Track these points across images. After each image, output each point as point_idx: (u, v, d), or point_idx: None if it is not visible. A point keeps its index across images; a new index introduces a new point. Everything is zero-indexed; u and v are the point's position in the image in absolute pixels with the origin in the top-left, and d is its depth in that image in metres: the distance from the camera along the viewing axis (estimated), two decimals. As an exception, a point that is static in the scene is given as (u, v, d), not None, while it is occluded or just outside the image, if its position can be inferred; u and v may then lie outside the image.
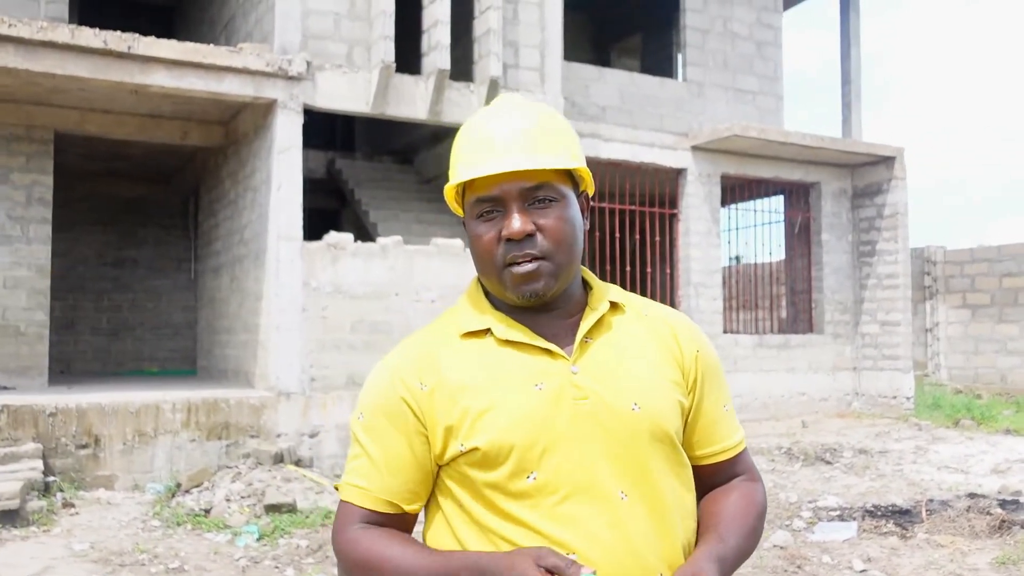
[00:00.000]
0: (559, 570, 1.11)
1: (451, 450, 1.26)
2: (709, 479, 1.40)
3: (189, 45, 7.85)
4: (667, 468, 1.30)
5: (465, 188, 1.33)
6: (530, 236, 1.26)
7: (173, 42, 7.78)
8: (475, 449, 1.24)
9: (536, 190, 1.27)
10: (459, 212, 1.39)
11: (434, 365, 1.30)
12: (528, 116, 1.30)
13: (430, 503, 1.34)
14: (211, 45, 8.16)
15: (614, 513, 1.23)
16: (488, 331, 1.32)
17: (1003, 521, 5.75)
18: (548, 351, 1.29)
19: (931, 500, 6.66)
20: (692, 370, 1.37)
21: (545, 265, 1.27)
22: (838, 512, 6.42)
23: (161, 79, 7.78)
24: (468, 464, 1.25)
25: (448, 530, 1.29)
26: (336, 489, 1.34)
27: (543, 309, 1.32)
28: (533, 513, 1.22)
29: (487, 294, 1.38)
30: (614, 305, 1.37)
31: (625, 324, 1.36)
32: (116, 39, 7.49)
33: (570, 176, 1.33)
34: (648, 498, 1.26)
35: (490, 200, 1.28)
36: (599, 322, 1.34)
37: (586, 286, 1.39)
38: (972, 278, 14.72)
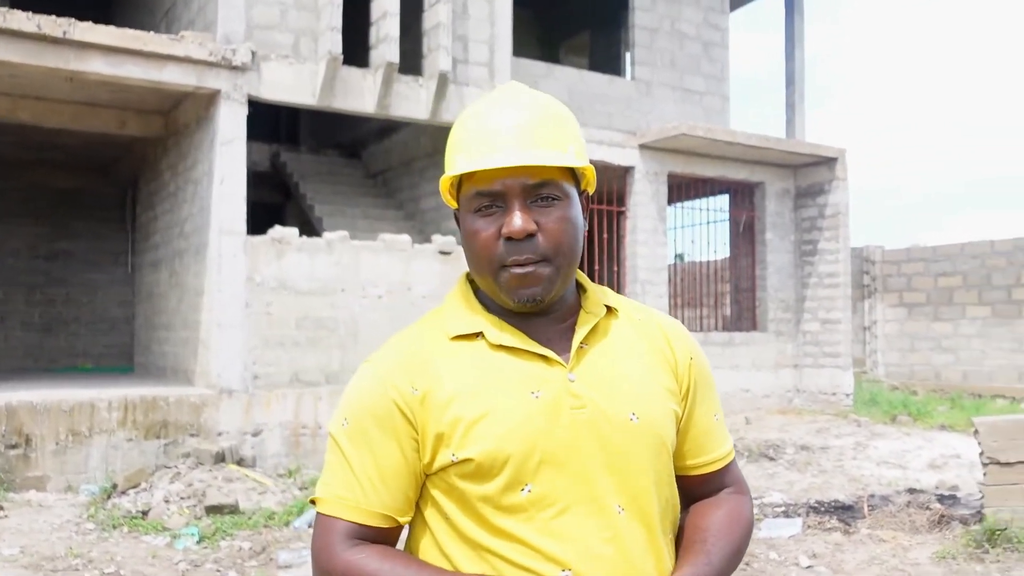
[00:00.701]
0: None
1: (441, 459, 1.18)
2: (696, 490, 1.35)
3: (128, 32, 7.60)
4: (661, 481, 1.25)
5: (462, 180, 1.25)
6: (531, 236, 1.19)
7: (111, 28, 7.52)
8: (468, 460, 1.16)
9: (540, 188, 1.20)
10: (452, 204, 1.31)
11: (425, 368, 1.22)
12: (535, 108, 1.23)
13: (416, 518, 1.25)
14: (151, 32, 7.91)
15: (612, 528, 1.18)
16: (480, 334, 1.24)
17: (942, 516, 5.87)
18: (544, 357, 1.22)
19: (872, 496, 6.78)
20: (686, 377, 1.32)
21: (545, 269, 1.20)
22: (783, 508, 6.49)
23: (98, 66, 7.52)
24: (459, 476, 1.17)
25: (435, 546, 1.21)
26: (313, 503, 1.23)
27: (537, 313, 1.25)
28: (527, 527, 1.16)
29: (476, 293, 1.30)
30: (608, 310, 1.31)
31: (619, 329, 1.30)
32: (50, 24, 7.22)
33: (573, 174, 1.26)
34: (644, 512, 1.21)
35: (490, 195, 1.20)
36: (594, 328, 1.28)
37: (579, 288, 1.33)
38: (909, 277, 15.08)
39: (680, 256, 14.41)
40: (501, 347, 1.23)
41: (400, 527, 1.23)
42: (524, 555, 1.15)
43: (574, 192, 1.25)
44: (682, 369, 1.31)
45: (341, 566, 1.17)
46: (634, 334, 1.31)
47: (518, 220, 1.18)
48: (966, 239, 14.30)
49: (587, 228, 1.29)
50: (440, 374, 1.21)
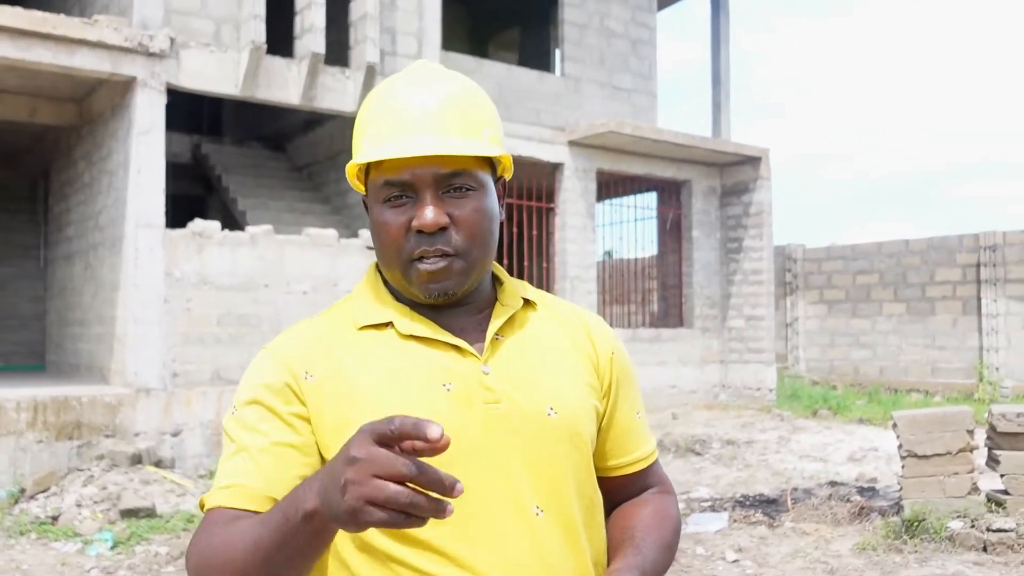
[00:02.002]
0: (403, 432, 0.84)
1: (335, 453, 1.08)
2: (620, 492, 1.28)
3: (36, 14, 7.25)
4: (581, 479, 1.18)
5: (370, 166, 1.16)
6: (443, 229, 1.11)
7: (18, 9, 7.16)
8: None
9: (453, 177, 1.12)
10: (360, 190, 1.22)
11: (325, 356, 1.13)
12: (448, 90, 1.14)
13: None
14: (62, 15, 7.55)
15: (530, 531, 1.10)
16: (389, 324, 1.16)
17: (862, 508, 6.00)
18: (457, 348, 1.14)
19: (795, 489, 6.90)
20: (607, 373, 1.25)
21: (457, 263, 1.12)
22: (710, 503, 6.56)
23: (4, 50, 7.15)
24: None
25: (334, 556, 1.11)
26: (201, 507, 1.10)
27: (450, 304, 1.18)
28: (436, 532, 1.06)
29: (386, 283, 1.22)
30: (526, 302, 1.24)
31: (538, 322, 1.23)
32: (-48, 3, 6.83)
33: (489, 161, 1.18)
34: (563, 513, 1.14)
35: (400, 184, 1.11)
36: (511, 319, 1.20)
37: (495, 281, 1.25)
38: (829, 275, 15.48)
39: (609, 253, 14.51)
40: (411, 337, 1.15)
41: None
42: (434, 563, 1.06)
43: (490, 180, 1.17)
44: (603, 364, 1.25)
45: (199, 545, 1.03)
46: (553, 328, 1.24)
47: (429, 213, 1.10)
48: (883, 238, 14.74)
49: (503, 217, 1.21)
50: (343, 363, 1.12)
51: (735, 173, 13.16)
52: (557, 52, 12.73)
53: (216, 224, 8.27)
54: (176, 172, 10.18)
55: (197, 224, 8.15)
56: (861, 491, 6.67)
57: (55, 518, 5.81)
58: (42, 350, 11.51)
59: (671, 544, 1.23)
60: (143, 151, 7.76)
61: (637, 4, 12.60)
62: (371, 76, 8.82)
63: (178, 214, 9.02)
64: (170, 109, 8.06)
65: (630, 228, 13.10)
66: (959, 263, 13.69)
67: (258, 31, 8.09)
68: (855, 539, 5.44)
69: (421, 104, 1.12)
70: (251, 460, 1.08)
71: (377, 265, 1.23)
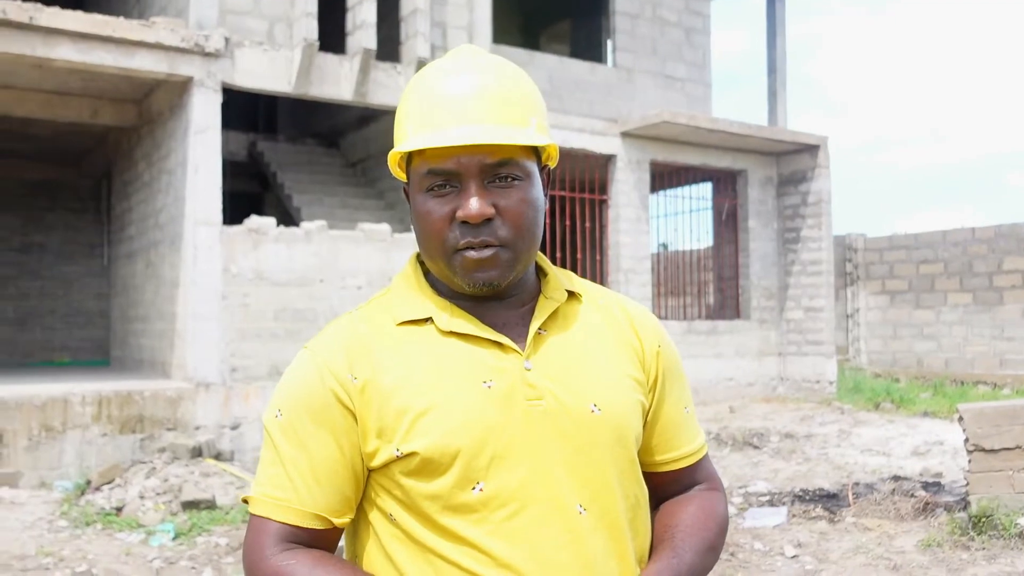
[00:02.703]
0: None
1: (384, 455, 1.07)
2: (667, 488, 1.25)
3: (97, 17, 7.42)
4: (626, 477, 1.14)
5: (413, 154, 1.13)
6: (488, 220, 1.08)
7: (79, 13, 7.34)
8: (413, 454, 1.05)
9: (499, 167, 1.09)
10: (402, 178, 1.19)
11: (367, 356, 1.11)
12: (494, 77, 1.11)
13: (358, 518, 1.14)
14: (121, 18, 7.72)
15: (571, 530, 1.07)
16: (429, 320, 1.14)
17: (927, 503, 5.83)
18: (498, 344, 1.12)
19: (857, 484, 6.74)
20: (653, 367, 1.21)
21: (503, 253, 1.10)
22: (768, 497, 6.44)
23: (66, 53, 7.34)
24: (404, 472, 1.07)
25: (379, 549, 1.11)
26: (245, 502, 1.12)
27: (492, 297, 1.15)
28: (478, 530, 1.05)
29: (426, 275, 1.20)
30: (571, 294, 1.21)
31: (582, 316, 1.19)
32: (16, 8, 7.03)
33: (534, 150, 1.14)
34: (607, 512, 1.11)
35: (444, 174, 1.09)
36: (554, 313, 1.17)
37: (540, 272, 1.22)
38: (891, 265, 15.09)
39: (665, 245, 14.35)
40: (452, 333, 1.12)
41: (337, 529, 1.11)
42: (474, 560, 1.05)
43: (535, 169, 1.14)
44: (649, 358, 1.21)
45: (269, 572, 1.06)
46: (598, 321, 1.20)
47: (475, 204, 1.07)
48: (948, 226, 14.32)
49: (548, 206, 1.19)
50: (384, 362, 1.10)
51: (792, 162, 12.90)
52: (609, 43, 12.60)
53: (272, 220, 8.38)
54: (232, 170, 10.36)
55: (253, 221, 8.27)
56: (926, 486, 6.49)
57: (119, 509, 5.95)
58: (107, 346, 11.83)
59: (715, 545, 1.19)
60: (200, 150, 7.89)
61: (690, -8, 12.42)
62: (422, 71, 8.85)
63: (235, 211, 9.17)
64: (226, 108, 8.18)
65: (685, 219, 12.95)
66: (1029, 251, 13.22)
67: (310, 29, 8.17)
68: (919, 535, 5.28)
69: (466, 91, 1.09)
70: (296, 475, 1.09)
71: (418, 256, 1.21)
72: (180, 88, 8.12)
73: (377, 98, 8.84)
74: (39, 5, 7.14)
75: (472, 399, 1.07)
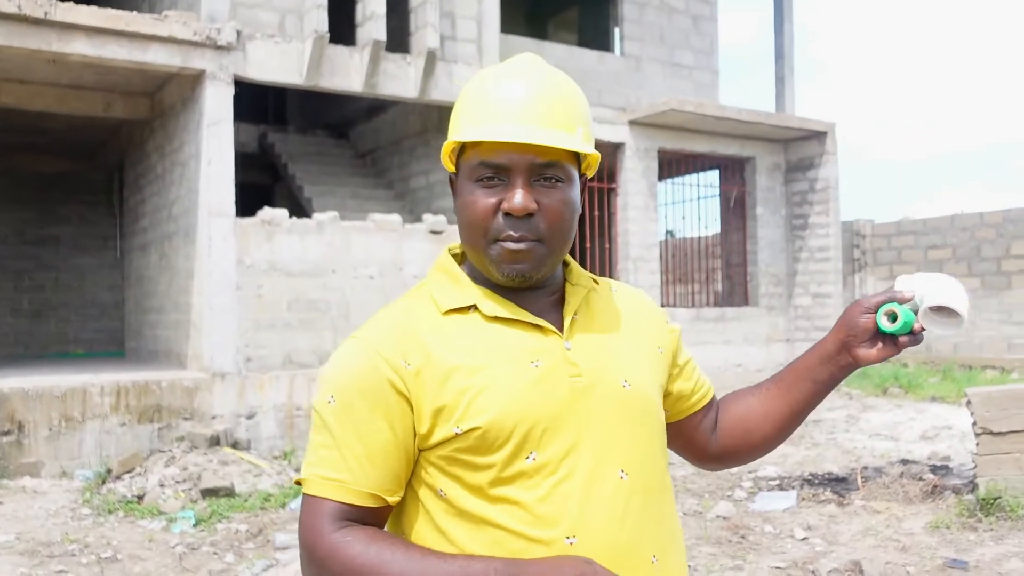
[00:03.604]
0: None
1: (441, 433, 1.15)
2: (706, 420, 1.45)
3: (111, 12, 7.49)
4: (656, 445, 1.26)
5: (466, 146, 1.21)
6: (530, 215, 1.17)
7: (93, 8, 7.42)
8: (474, 430, 1.14)
9: (546, 168, 1.18)
10: (450, 168, 1.28)
11: (417, 343, 1.18)
12: (552, 85, 1.20)
13: (404, 495, 1.22)
14: (134, 12, 7.79)
15: (614, 492, 1.17)
16: (473, 307, 1.22)
17: (935, 486, 5.90)
18: (539, 327, 1.22)
19: (866, 467, 6.81)
20: (668, 342, 1.38)
21: (538, 248, 1.19)
22: (777, 482, 6.52)
23: (81, 47, 7.42)
24: (463, 448, 1.15)
25: (430, 523, 1.19)
26: (298, 484, 1.18)
27: (526, 287, 1.24)
28: (530, 494, 1.14)
29: (461, 266, 1.29)
30: (594, 282, 1.34)
31: (605, 302, 1.32)
32: (31, 4, 7.11)
33: (577, 157, 1.24)
34: (644, 477, 1.21)
35: (495, 167, 1.18)
36: (585, 301, 1.29)
37: (563, 263, 1.33)
38: (899, 250, 15.10)
39: (671, 232, 14.40)
40: (496, 319, 1.21)
41: (389, 507, 1.19)
42: (528, 523, 1.14)
43: (576, 175, 1.23)
44: (663, 335, 1.38)
45: (327, 548, 1.13)
46: (618, 306, 1.34)
47: (520, 198, 1.16)
48: (956, 211, 14.32)
49: (581, 210, 1.27)
50: (434, 348, 1.18)
51: (800, 149, 12.92)
52: (617, 31, 12.62)
53: (284, 212, 8.47)
54: (244, 161, 10.44)
55: (266, 212, 8.36)
56: (934, 469, 6.55)
57: (140, 497, 6.07)
58: (121, 337, 11.95)
59: None
60: (213, 142, 7.97)
61: (697, -21, 12.42)
62: (431, 62, 8.90)
63: (246, 203, 9.25)
64: (236, 100, 8.25)
65: (693, 207, 12.99)
66: (1037, 236, 13.22)
67: (321, 21, 8.23)
68: (928, 517, 5.36)
69: (524, 94, 1.17)
70: (351, 456, 1.15)
71: (450, 250, 1.30)
72: (192, 81, 8.20)
73: (387, 89, 8.90)
74: (54, 0, 7.21)
75: (523, 378, 1.17)
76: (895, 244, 15.15)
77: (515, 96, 1.17)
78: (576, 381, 1.19)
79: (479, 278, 1.25)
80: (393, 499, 1.18)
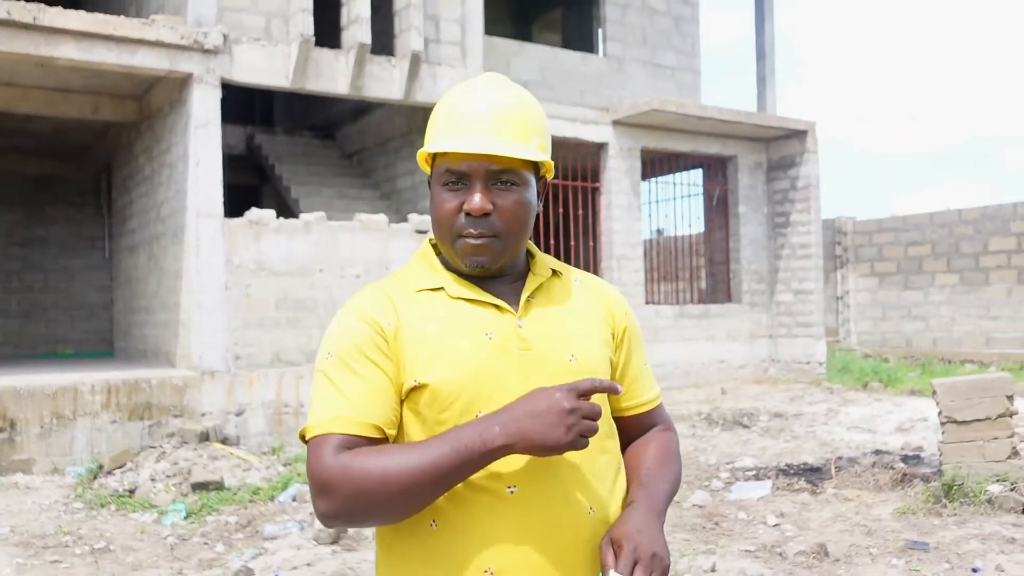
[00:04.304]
0: (586, 390, 1.26)
1: (406, 385, 1.34)
2: (633, 428, 1.55)
3: (99, 16, 7.61)
4: None
5: (436, 155, 1.40)
6: (487, 215, 1.35)
7: (82, 13, 7.53)
8: (425, 386, 1.32)
9: (501, 173, 1.36)
10: (426, 171, 1.46)
11: (394, 310, 1.38)
12: (507, 101, 1.38)
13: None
14: (122, 16, 7.91)
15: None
16: (441, 288, 1.42)
17: (904, 475, 6.09)
18: (497, 307, 1.40)
19: (840, 458, 7.00)
20: (620, 331, 1.52)
21: (495, 243, 1.37)
22: (754, 472, 6.70)
23: (69, 52, 7.54)
24: (422, 403, 1.33)
25: None
26: (302, 437, 1.33)
27: (489, 275, 1.43)
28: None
29: (438, 256, 1.48)
30: (554, 272, 1.50)
31: (563, 289, 1.49)
32: (20, 9, 7.22)
33: (533, 163, 1.41)
34: None
35: (458, 173, 1.36)
36: (541, 286, 1.46)
37: (528, 256, 1.51)
38: (880, 247, 15.34)
39: (660, 231, 14.57)
40: (459, 298, 1.40)
41: (387, 440, 1.33)
42: (477, 475, 1.29)
43: (532, 178, 1.41)
44: (618, 324, 1.51)
45: (336, 468, 1.26)
46: (575, 293, 1.50)
47: (477, 200, 1.34)
48: (935, 209, 14.57)
49: (540, 207, 1.46)
50: (407, 315, 1.38)
51: (781, 147, 13.13)
52: (600, 32, 12.79)
53: (271, 212, 8.60)
54: (231, 162, 10.56)
55: (254, 213, 8.49)
56: (905, 459, 6.75)
57: (132, 491, 6.20)
58: (110, 337, 12.05)
59: (676, 472, 1.51)
60: (201, 144, 8.10)
61: (678, -19, 12.60)
62: (416, 64, 9.05)
63: (234, 203, 9.37)
64: (223, 102, 8.38)
65: (677, 205, 13.18)
66: (1013, 231, 13.49)
67: (306, 24, 8.37)
68: (896, 504, 5.54)
69: (483, 110, 1.37)
70: (355, 396, 1.31)
71: (431, 240, 1.50)
72: (180, 84, 8.32)
73: (372, 91, 9.04)
74: (42, 5, 7.32)
75: (476, 346, 1.36)
76: (876, 241, 15.39)
77: (476, 112, 1.36)
78: (525, 353, 1.37)
79: (451, 266, 1.44)
80: (390, 432, 1.34)
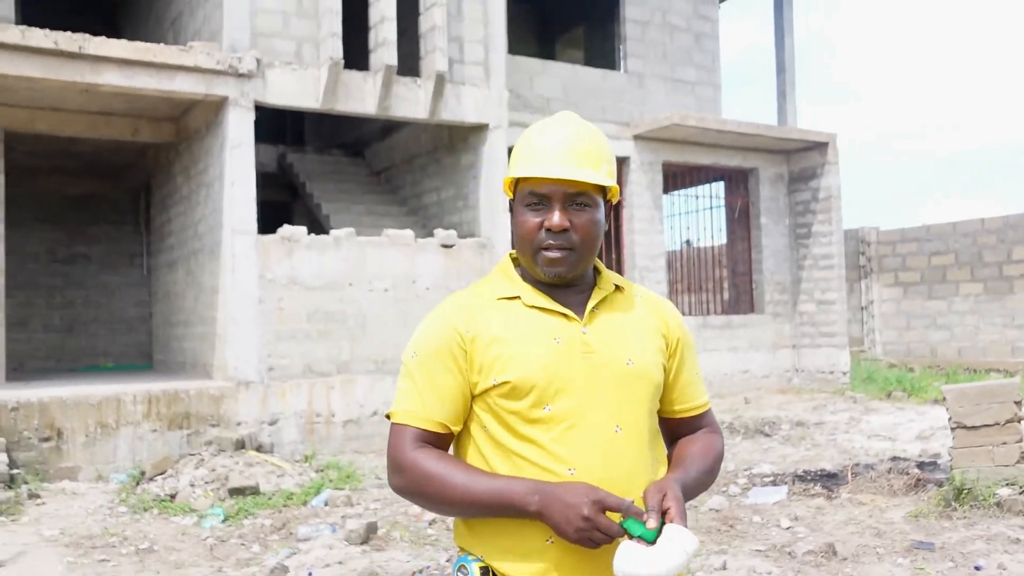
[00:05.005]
0: (613, 507, 1.47)
1: (485, 383, 1.61)
2: (681, 429, 1.80)
3: (140, 44, 8.00)
4: (649, 410, 1.68)
5: (519, 180, 1.66)
6: (565, 230, 1.61)
7: (124, 42, 7.92)
8: (506, 383, 1.59)
9: (576, 196, 1.62)
10: (508, 195, 1.72)
11: (474, 318, 1.65)
12: (581, 135, 1.65)
13: (461, 432, 1.67)
14: (161, 44, 8.30)
15: (608, 441, 1.60)
16: (518, 297, 1.67)
17: (919, 480, 6.24)
18: (565, 315, 1.65)
19: (857, 464, 7.14)
20: (673, 342, 1.75)
21: (571, 255, 1.62)
22: (771, 478, 6.87)
23: (112, 78, 7.92)
24: (499, 395, 1.60)
25: (476, 450, 1.64)
26: (388, 417, 1.65)
27: (562, 285, 1.68)
28: (546, 435, 1.58)
29: (516, 268, 1.74)
30: (617, 287, 1.75)
31: (624, 302, 1.74)
32: (67, 39, 7.62)
33: (602, 188, 1.67)
34: (635, 433, 1.63)
35: (539, 196, 1.62)
36: (604, 299, 1.71)
37: (596, 272, 1.76)
38: (903, 257, 15.40)
39: (688, 242, 14.72)
40: (533, 307, 1.65)
41: (452, 435, 1.65)
42: (542, 456, 1.57)
43: (601, 201, 1.66)
44: (672, 335, 1.75)
45: (409, 460, 1.60)
46: (635, 306, 1.75)
47: (557, 218, 1.60)
48: (957, 218, 14.61)
49: (607, 227, 1.73)
50: (487, 322, 1.64)
51: (802, 159, 13.28)
52: (621, 48, 13.04)
53: (303, 229, 8.93)
54: (263, 180, 10.90)
55: (286, 229, 8.82)
56: (921, 465, 6.88)
57: (172, 496, 6.51)
58: (148, 350, 12.45)
59: (712, 468, 1.76)
60: (236, 164, 8.45)
61: (699, -3, 12.84)
62: (440, 84, 9.35)
63: (266, 220, 9.70)
64: (256, 122, 8.71)
65: (699, 217, 13.36)
66: (1037, 241, 13.49)
67: (336, 48, 8.70)
68: (909, 508, 5.69)
69: (562, 142, 1.63)
70: (428, 395, 1.62)
71: (511, 255, 1.77)
72: (216, 107, 8.68)
73: (399, 111, 9.35)
74: (87, 35, 7.71)
75: (546, 350, 1.61)
76: (899, 251, 15.45)
77: (555, 143, 1.63)
78: (588, 356, 1.62)
79: (528, 277, 1.71)
80: (455, 428, 1.64)
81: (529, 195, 1.63)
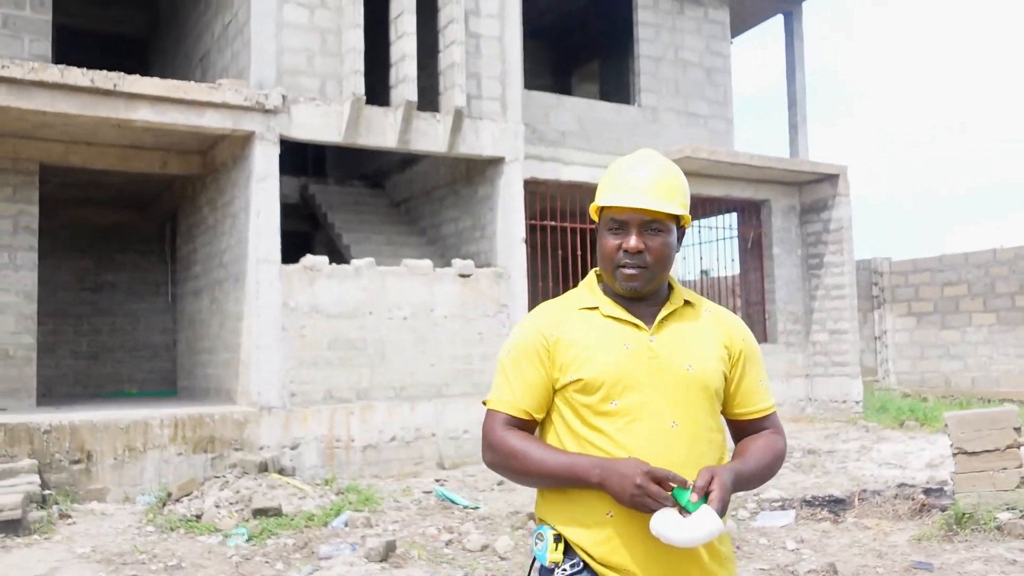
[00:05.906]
0: (662, 478, 1.72)
1: (564, 379, 1.91)
2: (746, 430, 2.05)
3: (171, 82, 8.36)
4: (705, 411, 1.93)
5: (603, 208, 1.95)
6: (640, 252, 1.90)
7: (156, 79, 8.28)
8: (580, 379, 1.89)
9: (651, 223, 1.91)
10: (595, 219, 2.01)
11: (560, 325, 1.96)
12: (658, 170, 1.94)
13: (545, 418, 1.97)
14: (192, 82, 8.66)
15: (665, 434, 1.87)
16: (597, 308, 1.97)
17: (923, 505, 6.38)
18: (636, 325, 1.94)
19: (864, 490, 7.28)
20: (736, 352, 2.00)
21: (645, 272, 1.91)
22: (780, 503, 7.02)
23: (145, 114, 8.28)
24: (574, 390, 1.90)
25: (554, 434, 1.95)
26: (484, 404, 1.98)
27: (638, 299, 1.96)
28: (612, 426, 1.87)
29: (599, 283, 2.02)
30: (687, 302, 2.01)
31: (692, 314, 2.01)
32: (102, 78, 7.98)
33: (676, 216, 1.95)
34: (690, 428, 1.90)
35: (619, 222, 1.92)
36: (674, 311, 1.98)
37: (670, 288, 2.03)
38: (916, 287, 15.52)
39: (706, 272, 14.91)
40: (609, 317, 1.94)
41: (536, 421, 1.96)
42: (607, 443, 1.86)
43: (674, 227, 1.94)
44: (735, 346, 2.00)
45: (498, 439, 1.93)
46: (702, 318, 2.01)
47: (633, 241, 1.89)
48: (970, 249, 14.74)
49: (679, 250, 2.01)
50: (569, 328, 1.95)
51: (814, 191, 13.49)
52: (635, 82, 13.34)
53: (324, 258, 9.22)
54: (285, 211, 11.21)
55: (308, 259, 9.11)
56: (928, 491, 7.01)
57: (198, 516, 6.74)
58: (172, 377, 12.74)
59: (771, 465, 2.00)
60: (261, 196, 8.77)
61: (711, 34, 13.14)
62: (459, 119, 9.66)
63: (288, 250, 10.00)
64: (280, 155, 9.04)
65: (712, 248, 13.57)
66: (1049, 271, 13.60)
67: (358, 84, 9.04)
68: (913, 532, 5.84)
69: (640, 176, 1.91)
70: (519, 387, 1.94)
71: (595, 272, 2.06)
72: (242, 141, 9.02)
73: (419, 145, 9.66)
74: (121, 73, 8.08)
75: (616, 353, 1.90)
76: (912, 281, 15.58)
77: (634, 177, 1.92)
78: (653, 361, 1.90)
79: (608, 291, 1.99)
80: (539, 416, 1.96)
81: (611, 221, 1.91)
